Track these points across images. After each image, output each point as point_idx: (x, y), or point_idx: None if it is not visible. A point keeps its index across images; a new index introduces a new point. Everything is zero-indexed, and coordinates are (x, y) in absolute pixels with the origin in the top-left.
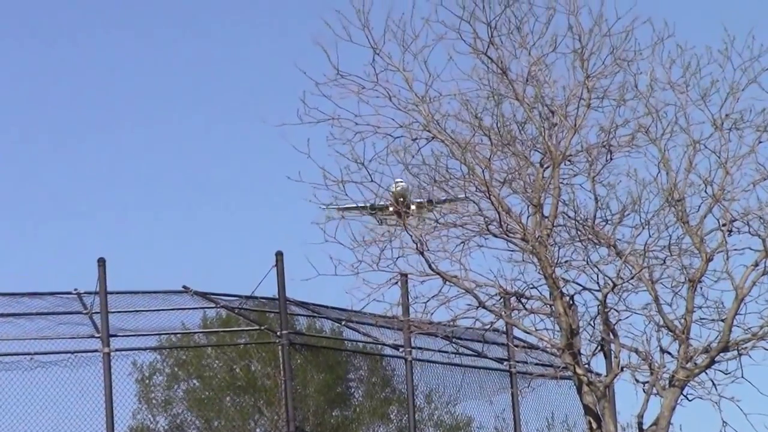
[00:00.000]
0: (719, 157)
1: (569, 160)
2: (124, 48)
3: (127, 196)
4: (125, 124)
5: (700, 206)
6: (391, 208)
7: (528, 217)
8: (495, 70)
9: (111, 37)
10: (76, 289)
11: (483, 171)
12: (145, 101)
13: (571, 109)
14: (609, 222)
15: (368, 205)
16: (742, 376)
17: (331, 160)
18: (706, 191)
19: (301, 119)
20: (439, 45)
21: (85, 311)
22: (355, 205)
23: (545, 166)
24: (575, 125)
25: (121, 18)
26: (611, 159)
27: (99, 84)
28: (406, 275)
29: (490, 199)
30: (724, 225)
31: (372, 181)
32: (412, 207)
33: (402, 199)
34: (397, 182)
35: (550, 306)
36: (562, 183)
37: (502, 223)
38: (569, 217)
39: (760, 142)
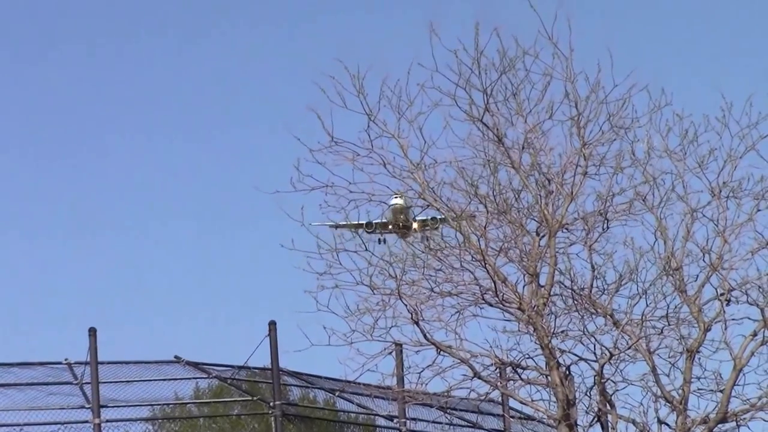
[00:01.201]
0: (717, 226)
1: (566, 229)
2: (126, 142)
3: (117, 266)
4: (118, 194)
5: (698, 275)
6: (390, 227)
7: (524, 287)
8: (491, 138)
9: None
10: (66, 359)
11: (479, 239)
12: (138, 174)
13: (567, 176)
14: (606, 291)
15: (365, 222)
16: None
17: (324, 228)
18: (704, 260)
19: (295, 186)
20: (435, 112)
21: (75, 381)
22: (349, 223)
23: (541, 234)
24: (572, 193)
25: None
26: (608, 227)
27: (94, 161)
28: (400, 345)
29: (485, 267)
30: (722, 294)
31: (366, 249)
32: (414, 225)
33: (402, 216)
34: (396, 196)
35: (547, 376)
36: (558, 252)
37: (498, 293)
38: (566, 286)
39: (759, 211)
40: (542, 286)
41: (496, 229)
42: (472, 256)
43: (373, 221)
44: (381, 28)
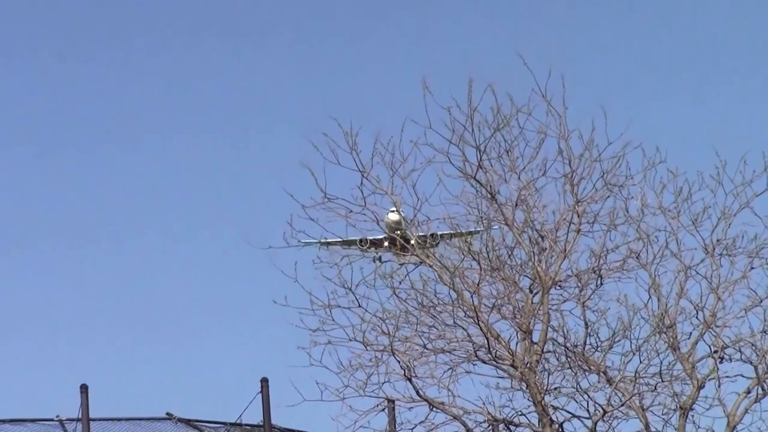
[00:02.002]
0: (711, 283)
1: (559, 286)
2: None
3: (110, 321)
4: (108, 246)
5: (691, 333)
6: (385, 243)
7: (517, 343)
8: (484, 194)
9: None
10: (58, 416)
11: (472, 296)
12: (129, 225)
13: (561, 233)
14: (599, 348)
15: (359, 239)
16: None
17: (318, 284)
18: (697, 317)
19: (288, 242)
20: (428, 168)
21: None
22: (341, 239)
23: (535, 291)
24: (565, 250)
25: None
26: (601, 284)
27: (87, 200)
28: (393, 401)
29: (478, 324)
30: (715, 352)
31: (359, 306)
32: (412, 242)
33: (398, 232)
34: (392, 211)
35: None
36: (551, 309)
37: (491, 349)
38: (559, 343)
39: (752, 268)
40: (535, 343)
41: (489, 285)
42: (465, 313)
43: (368, 237)
44: (374, 85)
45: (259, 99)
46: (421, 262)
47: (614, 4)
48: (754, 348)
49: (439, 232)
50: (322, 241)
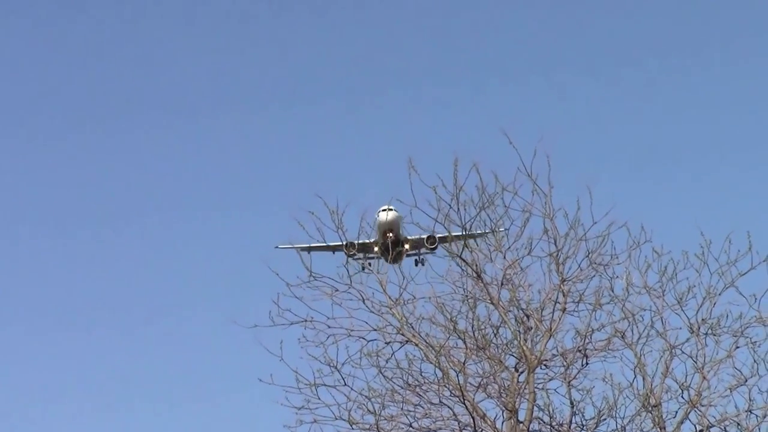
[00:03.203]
0: (696, 363)
1: (545, 365)
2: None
3: (95, 395)
4: (99, 331)
5: (677, 412)
6: (375, 248)
7: (503, 422)
8: (470, 273)
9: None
10: None
11: (457, 375)
12: (120, 309)
13: (546, 312)
14: (585, 428)
15: (345, 243)
16: None
17: (303, 363)
18: (682, 396)
19: (274, 321)
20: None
21: None
22: (325, 244)
23: (520, 370)
24: (551, 329)
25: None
26: (587, 363)
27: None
28: None
29: (464, 403)
30: (701, 431)
31: (345, 384)
32: (406, 246)
33: (390, 234)
34: (385, 210)
35: None
36: (537, 387)
37: (477, 428)
38: (544, 422)
39: (737, 348)
40: (521, 422)
41: (474, 364)
42: (451, 392)
43: (355, 241)
44: (360, 163)
45: (245, 177)
46: (407, 341)
47: (599, 86)
48: (739, 427)
49: (438, 234)
50: (304, 246)
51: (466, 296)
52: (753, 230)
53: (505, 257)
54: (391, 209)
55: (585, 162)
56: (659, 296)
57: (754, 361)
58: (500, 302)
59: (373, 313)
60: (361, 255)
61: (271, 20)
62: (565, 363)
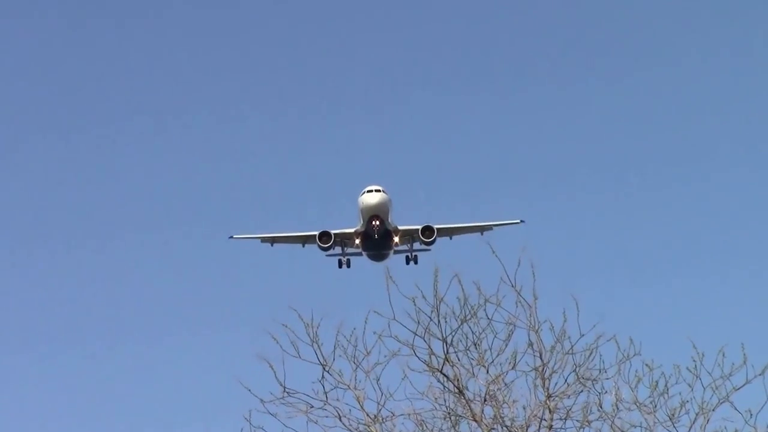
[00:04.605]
0: None
1: None
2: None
3: None
4: None
5: None
6: (357, 240)
7: None
8: (451, 389)
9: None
10: None
11: None
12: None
13: (532, 430)
14: None
15: (318, 233)
16: None
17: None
18: None
19: None
20: (393, 362)
21: None
22: (292, 234)
23: None
24: None
25: None
26: None
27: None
28: None
29: None
30: None
31: None
32: (396, 238)
33: (376, 222)
34: (371, 191)
35: None
36: None
37: None
38: None
39: None
40: None
41: None
42: None
43: (332, 231)
44: (336, 272)
45: (217, 288)
46: None
47: (586, 193)
48: None
49: (436, 226)
50: (265, 236)
51: (448, 413)
52: (747, 342)
53: (488, 372)
54: (378, 190)
55: (571, 272)
56: (650, 412)
57: None
58: (483, 419)
59: (350, 430)
60: (338, 250)
61: None
62: None
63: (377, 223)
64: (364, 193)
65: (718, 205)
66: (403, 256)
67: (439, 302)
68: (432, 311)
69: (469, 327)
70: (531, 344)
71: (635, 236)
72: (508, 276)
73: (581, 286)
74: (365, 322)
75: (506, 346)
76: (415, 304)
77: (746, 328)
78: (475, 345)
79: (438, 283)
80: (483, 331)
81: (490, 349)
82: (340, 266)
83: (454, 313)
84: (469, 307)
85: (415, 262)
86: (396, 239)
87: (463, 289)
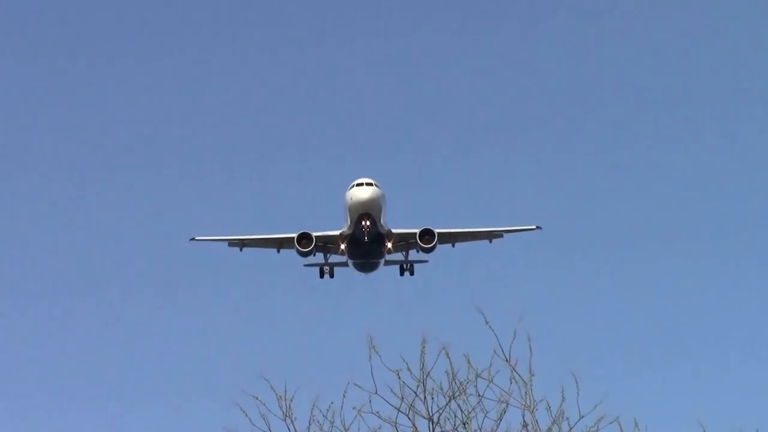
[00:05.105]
0: None
1: None
2: None
3: None
4: None
5: None
6: (342, 245)
7: None
8: None
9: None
10: None
11: None
12: None
13: None
14: None
15: (296, 235)
16: None
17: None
18: None
19: None
20: None
21: None
22: (266, 237)
23: None
24: None
25: None
26: None
27: None
28: None
29: None
30: None
31: None
32: (388, 244)
33: (367, 223)
34: (361, 184)
35: None
36: None
37: None
38: None
39: None
40: None
41: None
42: None
43: (313, 233)
44: (312, 341)
45: (182, 361)
46: None
47: (588, 263)
48: None
49: (437, 230)
50: (232, 239)
51: None
52: (763, 427)
53: None
54: (370, 183)
55: (571, 347)
56: None
57: None
58: None
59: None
60: (320, 256)
61: None
62: None
63: (368, 223)
64: (352, 186)
65: (731, 285)
66: (395, 267)
67: (426, 376)
68: (418, 386)
69: (458, 404)
70: (525, 425)
71: (643, 311)
72: (502, 349)
73: (582, 361)
74: (344, 395)
75: (498, 426)
76: (399, 378)
77: (760, 413)
78: (464, 424)
79: (425, 355)
80: (473, 409)
81: (481, 429)
82: (321, 275)
83: (441, 388)
84: (458, 383)
85: (411, 273)
86: (389, 245)
87: (451, 363)
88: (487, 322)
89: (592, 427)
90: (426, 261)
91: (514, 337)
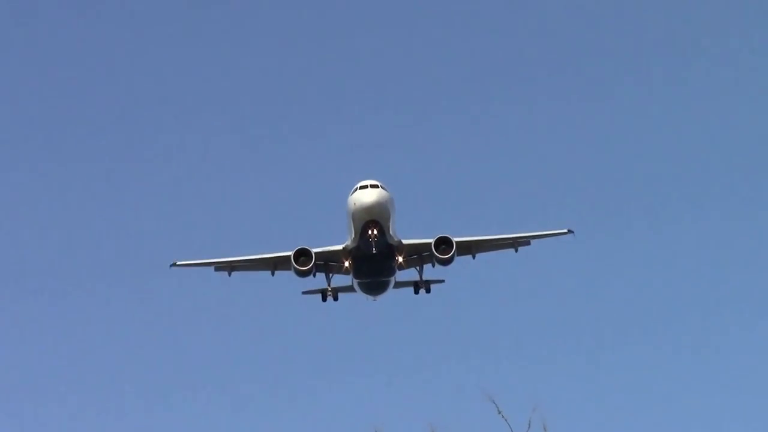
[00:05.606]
0: None
1: None
2: None
3: None
4: None
5: None
6: (346, 262)
7: None
8: None
9: None
10: None
11: None
12: None
13: None
14: None
15: (294, 251)
16: None
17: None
18: None
19: None
20: None
21: None
22: (261, 257)
23: None
24: None
25: None
26: None
27: None
28: None
29: None
30: None
31: None
32: (399, 258)
33: (374, 232)
34: (365, 186)
35: None
36: None
37: None
38: None
39: None
40: None
41: None
42: None
43: (312, 249)
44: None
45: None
46: None
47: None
48: None
49: (455, 239)
50: (219, 262)
51: None
52: None
53: None
54: (375, 185)
55: None
56: None
57: None
58: None
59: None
60: (322, 276)
61: None
62: None
63: (375, 232)
64: (355, 190)
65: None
66: (408, 288)
67: None
68: None
69: None
70: None
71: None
72: None
73: None
74: None
75: None
76: None
77: None
78: None
79: None
80: None
81: None
82: (324, 299)
83: None
84: None
85: (427, 291)
86: (400, 259)
87: None
88: (499, 412)
89: None
90: (442, 281)
91: (529, 427)
